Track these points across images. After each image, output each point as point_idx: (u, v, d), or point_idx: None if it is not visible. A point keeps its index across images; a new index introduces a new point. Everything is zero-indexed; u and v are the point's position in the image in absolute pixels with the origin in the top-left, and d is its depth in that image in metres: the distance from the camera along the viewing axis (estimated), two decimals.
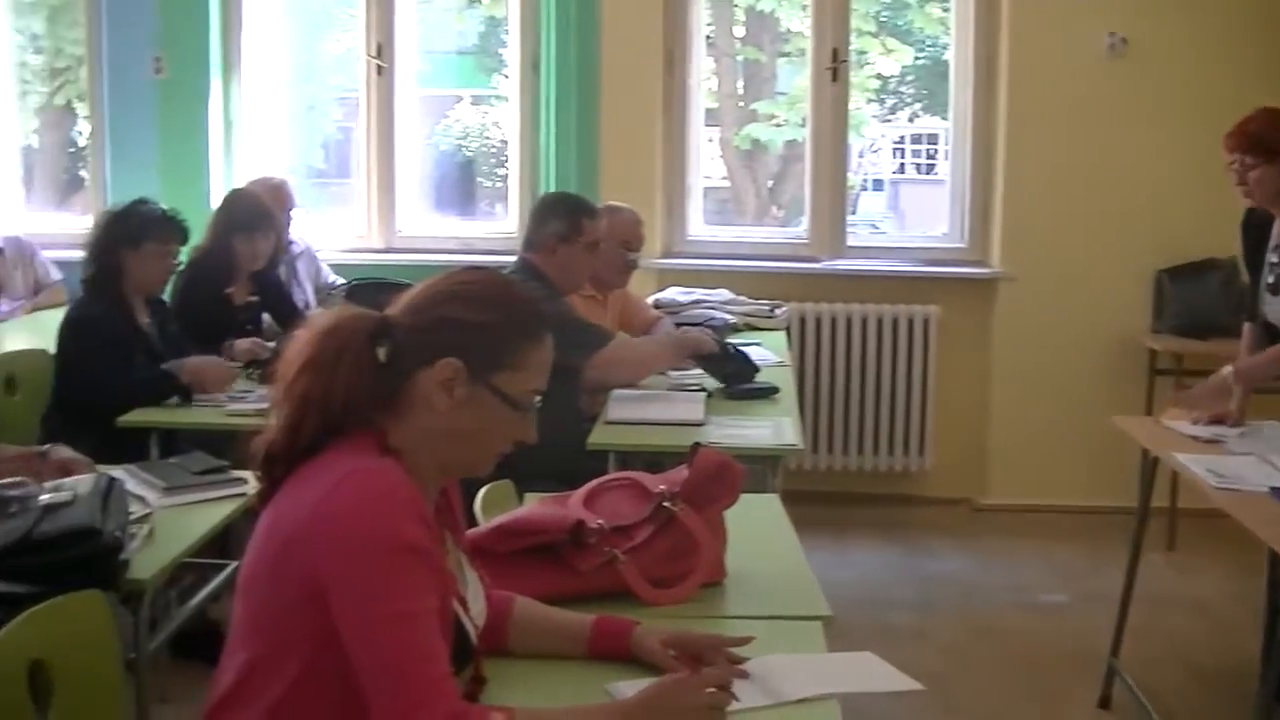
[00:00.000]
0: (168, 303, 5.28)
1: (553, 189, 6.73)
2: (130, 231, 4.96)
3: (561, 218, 4.95)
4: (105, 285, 4.98)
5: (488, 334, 2.17)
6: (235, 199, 5.82)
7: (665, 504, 2.74)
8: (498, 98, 8.06)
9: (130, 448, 4.46)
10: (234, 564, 3.86)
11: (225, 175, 7.30)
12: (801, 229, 7.39)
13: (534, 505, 2.91)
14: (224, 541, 3.97)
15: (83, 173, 8.08)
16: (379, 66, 7.32)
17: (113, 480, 3.20)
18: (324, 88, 8.19)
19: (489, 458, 2.25)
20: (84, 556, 2.88)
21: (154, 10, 7.19)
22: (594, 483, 2.91)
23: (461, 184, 8.27)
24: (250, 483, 3.68)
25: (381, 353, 2.15)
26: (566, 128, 6.95)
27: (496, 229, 7.53)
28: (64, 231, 7.48)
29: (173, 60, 7.23)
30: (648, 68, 7.04)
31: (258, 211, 5.64)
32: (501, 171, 7.95)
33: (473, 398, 2.16)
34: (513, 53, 7.31)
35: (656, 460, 4.06)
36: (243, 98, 7.42)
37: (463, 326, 2.16)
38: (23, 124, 8.06)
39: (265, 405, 4.37)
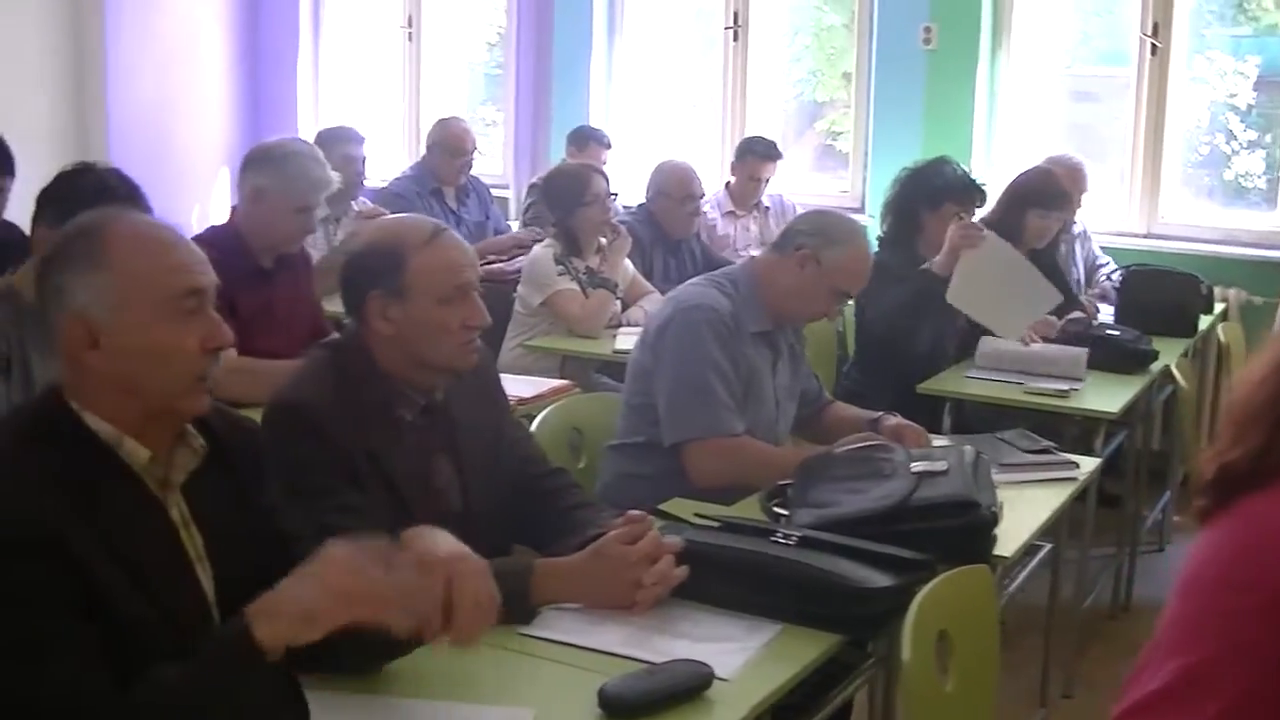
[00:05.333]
0: None
1: None
2: (933, 192, 4.99)
3: None
4: (901, 240, 5.05)
5: None
6: (1040, 173, 5.67)
7: None
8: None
9: (921, 413, 4.48)
10: (1048, 545, 3.80)
11: (985, 152, 7.28)
12: None
13: None
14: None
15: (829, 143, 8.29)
16: (1153, 45, 7.06)
17: (979, 454, 3.19)
18: (1086, 67, 7.98)
19: None
20: (963, 527, 2.89)
21: None
22: None
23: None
24: (1080, 466, 3.62)
25: None
26: None
27: (1264, 222, 7.08)
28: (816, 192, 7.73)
29: (943, 31, 7.28)
30: None
31: (1058, 191, 5.51)
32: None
33: None
34: None
35: None
36: (1009, 73, 7.38)
37: None
38: None
39: (1065, 386, 4.41)
